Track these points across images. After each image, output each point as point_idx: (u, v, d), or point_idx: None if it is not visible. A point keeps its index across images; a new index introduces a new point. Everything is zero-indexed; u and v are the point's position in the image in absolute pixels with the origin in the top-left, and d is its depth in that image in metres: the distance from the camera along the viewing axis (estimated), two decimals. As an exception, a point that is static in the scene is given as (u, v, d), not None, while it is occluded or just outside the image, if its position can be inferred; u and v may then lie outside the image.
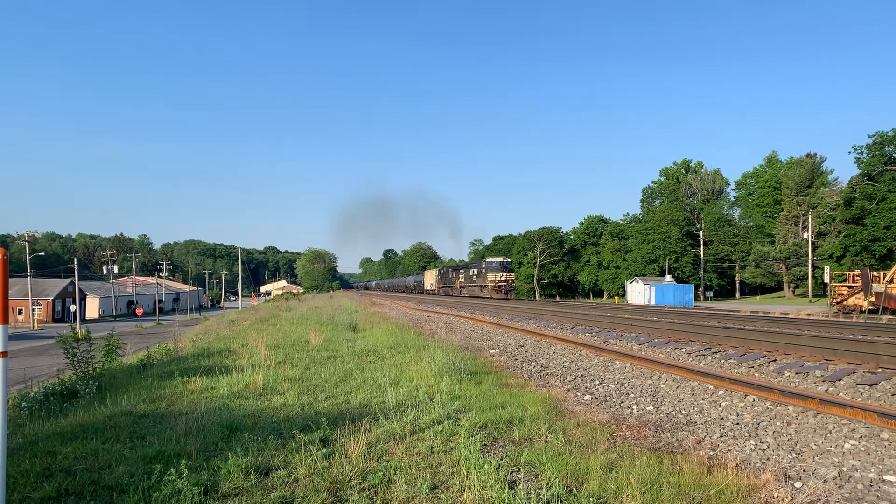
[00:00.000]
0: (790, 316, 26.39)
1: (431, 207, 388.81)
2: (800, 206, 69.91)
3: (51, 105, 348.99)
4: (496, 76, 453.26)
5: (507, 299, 46.73)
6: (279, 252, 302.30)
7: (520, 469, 4.78)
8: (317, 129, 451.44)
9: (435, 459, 5.03)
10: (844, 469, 5.14)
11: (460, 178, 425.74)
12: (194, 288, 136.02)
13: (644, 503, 4.12)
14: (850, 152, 69.39)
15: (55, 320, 76.66)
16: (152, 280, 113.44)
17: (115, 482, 4.44)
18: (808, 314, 29.42)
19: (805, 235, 65.69)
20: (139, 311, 76.31)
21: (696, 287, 74.35)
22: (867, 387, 7.80)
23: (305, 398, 7.60)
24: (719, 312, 28.64)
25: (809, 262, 61.91)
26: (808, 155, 73.59)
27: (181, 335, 22.87)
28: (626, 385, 9.28)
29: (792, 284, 73.10)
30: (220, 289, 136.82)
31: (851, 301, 33.63)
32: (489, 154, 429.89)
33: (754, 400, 7.60)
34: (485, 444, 5.52)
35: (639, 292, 58.05)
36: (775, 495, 4.40)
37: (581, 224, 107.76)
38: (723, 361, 10.43)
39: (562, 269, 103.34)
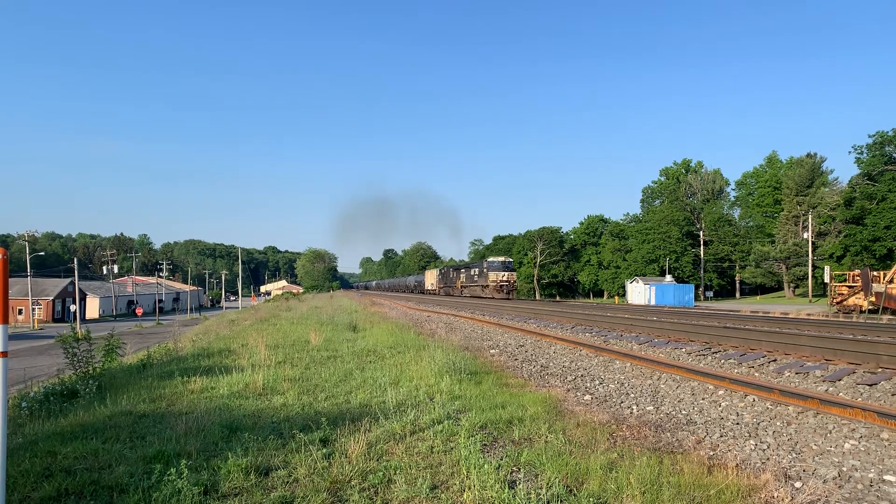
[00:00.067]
0: (790, 316, 26.39)
1: (431, 207, 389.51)
2: (800, 206, 69.91)
3: (51, 105, 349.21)
4: (496, 76, 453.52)
5: (508, 299, 46.59)
6: (279, 252, 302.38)
7: (520, 469, 4.78)
8: (317, 129, 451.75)
9: (435, 459, 5.03)
10: (844, 469, 5.14)
11: (460, 178, 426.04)
12: (194, 288, 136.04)
13: (644, 503, 4.12)
14: (850, 152, 69.61)
15: (55, 320, 76.66)
16: (152, 280, 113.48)
17: (115, 482, 4.44)
18: (809, 314, 29.42)
19: (805, 235, 65.68)
20: (139, 311, 76.33)
21: (697, 287, 74.34)
22: (867, 387, 7.80)
23: (305, 398, 7.60)
24: (719, 312, 28.64)
25: (809, 262, 61.92)
26: (808, 155, 73.61)
27: (181, 335, 22.88)
28: (626, 385, 9.28)
29: (792, 284, 73.10)
30: (220, 289, 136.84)
31: (851, 301, 33.64)
32: (489, 154, 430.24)
33: (754, 400, 7.60)
34: (485, 444, 5.52)
35: (639, 292, 58.04)
36: (775, 495, 4.40)
37: (581, 224, 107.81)
38: (723, 361, 10.43)
39: (562, 269, 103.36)
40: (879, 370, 8.46)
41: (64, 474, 4.61)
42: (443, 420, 6.20)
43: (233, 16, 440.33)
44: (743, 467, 5.18)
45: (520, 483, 4.31)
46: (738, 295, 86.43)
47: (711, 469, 4.92)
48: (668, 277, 64.08)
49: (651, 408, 7.75)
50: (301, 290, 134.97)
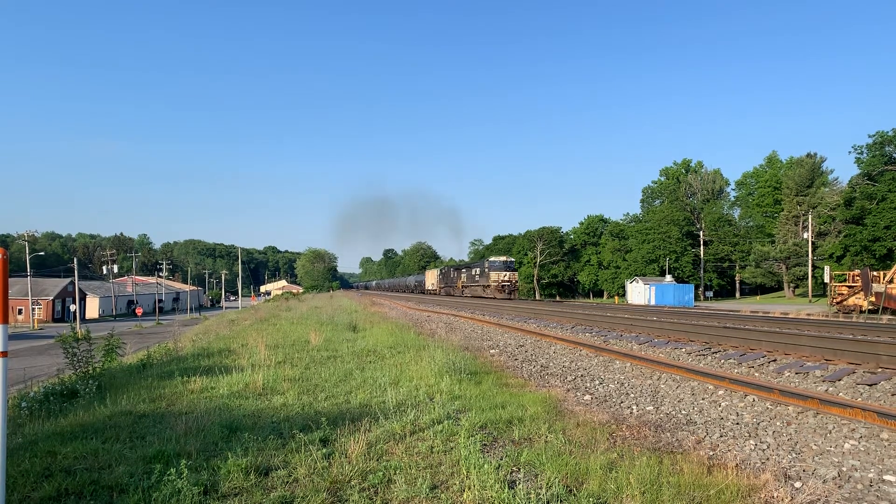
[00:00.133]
0: (790, 316, 26.38)
1: (431, 207, 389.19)
2: (800, 205, 69.91)
3: (51, 105, 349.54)
4: (496, 76, 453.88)
5: (510, 299, 46.33)
6: (279, 252, 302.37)
7: (520, 469, 4.78)
8: (317, 129, 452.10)
9: (435, 459, 5.03)
10: (844, 469, 5.14)
11: (460, 178, 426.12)
12: (194, 288, 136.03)
13: (644, 503, 4.12)
14: (850, 152, 69.67)
15: (55, 320, 76.65)
16: (152, 280, 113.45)
17: (115, 482, 4.44)
18: (808, 314, 29.42)
19: (805, 235, 65.68)
20: (139, 311, 76.31)
21: (696, 287, 74.35)
22: (867, 387, 7.80)
23: (305, 398, 7.60)
24: (719, 312, 28.64)
25: (809, 262, 61.91)
26: (808, 155, 73.61)
27: (181, 335, 22.87)
28: (625, 385, 9.28)
29: (792, 284, 73.11)
30: (220, 288, 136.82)
31: (851, 301, 33.63)
32: (489, 154, 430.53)
33: (754, 400, 7.60)
34: (485, 444, 5.52)
35: (639, 292, 58.04)
36: (775, 495, 4.40)
37: (581, 224, 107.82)
38: (723, 361, 10.43)
39: (562, 269, 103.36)
40: (879, 370, 8.46)
41: (64, 474, 4.61)
42: (443, 420, 6.21)
43: (233, 16, 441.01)
44: (743, 467, 5.18)
45: (520, 483, 4.32)
46: (737, 295, 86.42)
47: (711, 469, 4.92)
48: (668, 277, 64.08)
49: (651, 408, 7.75)
50: (301, 290, 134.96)
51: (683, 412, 7.44)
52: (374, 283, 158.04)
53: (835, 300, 35.39)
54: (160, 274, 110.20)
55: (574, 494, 4.22)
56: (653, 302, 54.09)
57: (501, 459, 4.98)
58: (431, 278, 77.58)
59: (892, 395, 7.36)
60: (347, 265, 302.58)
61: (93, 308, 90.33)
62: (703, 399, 8.00)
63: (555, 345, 14.21)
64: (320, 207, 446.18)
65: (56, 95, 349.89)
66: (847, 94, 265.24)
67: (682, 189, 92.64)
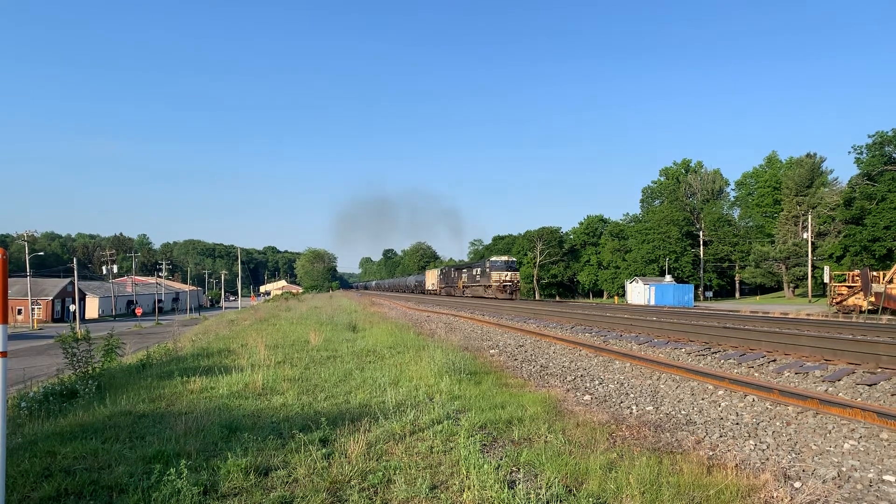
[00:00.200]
0: (790, 316, 26.39)
1: (431, 207, 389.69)
2: (800, 206, 69.94)
3: (51, 105, 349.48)
4: (496, 76, 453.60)
5: (511, 299, 46.08)
6: (279, 252, 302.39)
7: (519, 469, 4.78)
8: (317, 129, 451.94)
9: (434, 459, 5.03)
10: (844, 469, 5.14)
11: (460, 178, 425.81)
12: (194, 288, 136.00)
13: (644, 503, 4.12)
14: (849, 152, 69.47)
15: (54, 320, 76.62)
16: (152, 280, 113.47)
17: (114, 482, 4.44)
18: (808, 314, 29.43)
19: (805, 235, 65.71)
20: (139, 311, 76.33)
21: (696, 287, 74.38)
22: (867, 387, 7.80)
23: (305, 398, 7.60)
24: (719, 312, 28.64)
25: (809, 262, 61.93)
26: (808, 155, 73.65)
27: (180, 335, 22.88)
28: (625, 385, 9.28)
29: (792, 284, 73.13)
30: (220, 289, 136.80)
31: (851, 301, 33.64)
32: (489, 154, 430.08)
33: (754, 400, 7.61)
34: (484, 444, 5.52)
35: (638, 292, 58.05)
36: (775, 495, 4.40)
37: (581, 224, 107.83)
38: (722, 361, 10.43)
39: (561, 269, 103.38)
40: (879, 370, 8.46)
41: (63, 474, 4.61)
42: (442, 420, 6.21)
43: (233, 16, 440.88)
44: (742, 467, 5.18)
45: (519, 483, 4.32)
46: (737, 295, 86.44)
47: (711, 469, 4.92)
48: (668, 277, 64.09)
49: (651, 408, 7.75)
50: (300, 291, 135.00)
51: (683, 412, 7.44)
52: (373, 283, 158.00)
53: (834, 300, 35.40)
54: (160, 274, 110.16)
55: (574, 494, 4.22)
56: (652, 302, 54.10)
57: (501, 459, 4.98)
58: (432, 278, 77.50)
59: (892, 395, 7.36)
60: (347, 265, 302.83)
61: (92, 308, 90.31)
62: (702, 399, 8.00)
63: (554, 345, 14.21)
64: (320, 207, 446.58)
65: (56, 95, 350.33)
66: (847, 94, 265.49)
67: (682, 189, 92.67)
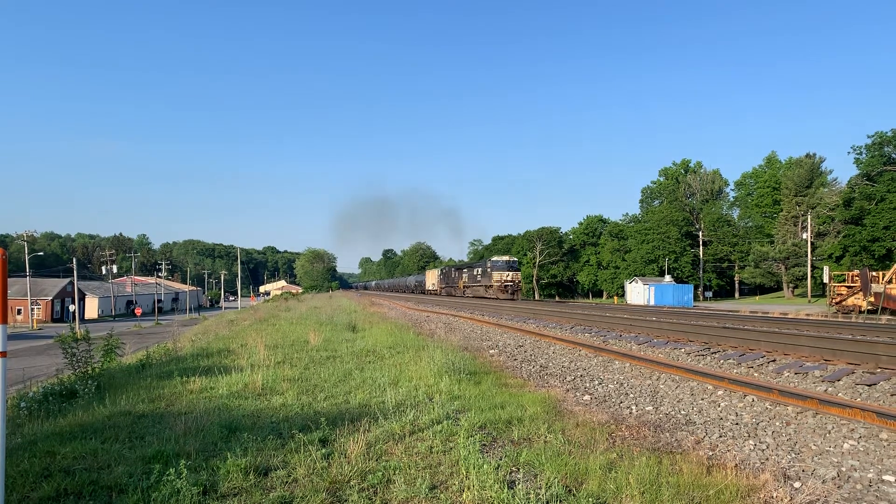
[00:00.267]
0: (789, 316, 26.41)
1: (431, 207, 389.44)
2: (799, 206, 69.96)
3: (51, 105, 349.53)
4: (496, 76, 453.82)
5: (513, 300, 45.78)
6: (278, 252, 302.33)
7: (519, 469, 4.78)
8: (317, 129, 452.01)
9: (434, 459, 5.03)
10: (843, 469, 5.14)
11: (460, 178, 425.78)
12: (193, 288, 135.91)
13: (643, 503, 4.12)
14: (849, 152, 69.38)
15: (54, 320, 76.56)
16: (151, 280, 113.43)
17: (114, 482, 4.44)
18: (808, 314, 29.44)
19: (804, 235, 65.67)
20: (138, 311, 76.32)
21: (696, 287, 74.36)
22: (866, 387, 7.80)
23: (304, 398, 7.60)
24: (718, 312, 28.65)
25: (808, 262, 61.94)
26: (808, 155, 73.68)
27: (180, 335, 22.87)
28: (625, 385, 9.28)
29: (791, 284, 73.15)
30: (220, 289, 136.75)
31: (850, 301, 33.65)
32: (489, 154, 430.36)
33: (753, 400, 7.61)
34: (484, 445, 5.52)
35: (638, 292, 58.05)
36: (774, 495, 4.40)
37: (580, 224, 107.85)
38: (722, 361, 10.43)
39: (561, 270, 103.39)
40: (878, 370, 8.46)
41: (63, 474, 4.61)
42: (442, 420, 6.20)
43: (233, 16, 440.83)
44: (742, 467, 5.18)
45: (519, 483, 4.32)
46: (737, 295, 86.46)
47: (710, 469, 4.92)
48: (668, 278, 64.11)
49: (650, 408, 7.75)
50: (300, 291, 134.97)
51: (683, 412, 7.44)
52: (373, 283, 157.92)
53: (834, 300, 35.41)
54: (159, 274, 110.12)
55: (573, 494, 4.22)
56: (652, 302, 54.10)
57: (501, 459, 4.98)
58: (432, 278, 77.41)
59: (892, 395, 7.36)
60: (347, 265, 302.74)
61: (92, 308, 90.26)
62: (702, 399, 8.00)
63: (554, 345, 14.21)
64: (320, 207, 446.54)
65: (56, 95, 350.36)
66: (847, 94, 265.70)
67: (682, 189, 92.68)
